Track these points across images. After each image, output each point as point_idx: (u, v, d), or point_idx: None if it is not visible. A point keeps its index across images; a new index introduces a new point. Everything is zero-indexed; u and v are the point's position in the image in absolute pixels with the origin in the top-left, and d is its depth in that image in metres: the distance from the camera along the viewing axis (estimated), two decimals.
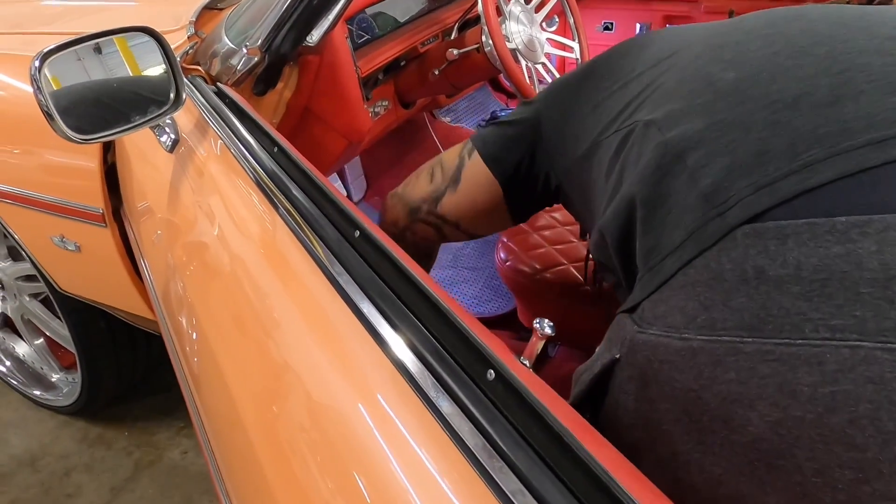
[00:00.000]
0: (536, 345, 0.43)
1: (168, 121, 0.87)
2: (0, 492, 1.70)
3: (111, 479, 1.73)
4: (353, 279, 0.50)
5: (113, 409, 1.89)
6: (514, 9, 1.40)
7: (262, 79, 1.15)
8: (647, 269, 0.50)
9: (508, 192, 0.85)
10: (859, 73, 0.44)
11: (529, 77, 1.38)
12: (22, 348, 1.92)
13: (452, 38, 1.55)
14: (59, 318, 1.79)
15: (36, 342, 1.88)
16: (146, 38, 0.80)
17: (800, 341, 0.39)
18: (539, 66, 1.42)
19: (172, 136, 0.87)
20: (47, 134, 1.24)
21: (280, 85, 1.18)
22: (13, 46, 1.37)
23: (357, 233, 0.56)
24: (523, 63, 1.38)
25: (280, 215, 0.61)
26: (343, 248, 0.54)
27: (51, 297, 1.59)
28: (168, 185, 0.83)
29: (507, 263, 1.36)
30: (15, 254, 1.72)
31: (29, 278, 1.70)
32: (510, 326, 1.55)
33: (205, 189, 0.77)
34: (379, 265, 0.52)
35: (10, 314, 1.86)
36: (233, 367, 0.65)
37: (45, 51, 0.72)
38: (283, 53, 1.10)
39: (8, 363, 1.93)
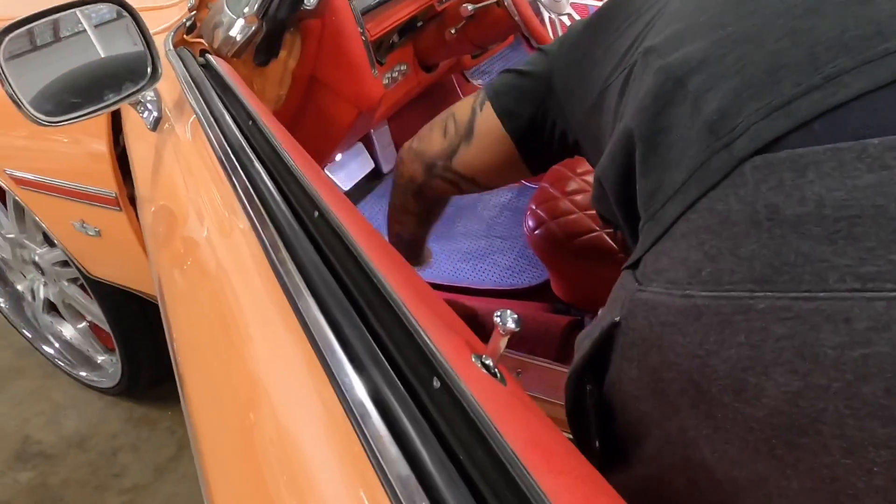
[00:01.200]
0: (499, 341, 0.36)
1: (151, 96, 0.82)
2: (52, 472, 1.74)
3: (155, 459, 1.75)
4: (297, 268, 0.44)
5: (156, 390, 1.91)
6: None
7: (263, 48, 1.09)
8: (649, 217, 0.43)
9: (522, 146, 0.80)
10: None
11: (553, 31, 1.27)
12: (68, 331, 1.96)
13: None
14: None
15: (79, 325, 1.91)
16: (116, 10, 0.75)
17: (823, 294, 0.32)
18: (564, 18, 1.31)
19: (155, 114, 0.82)
20: None
21: (283, 54, 1.11)
22: None
23: (316, 213, 0.50)
24: (545, 14, 1.27)
25: (237, 195, 0.56)
26: (295, 232, 0.48)
27: (84, 282, 1.60)
28: (152, 164, 0.79)
29: (537, 232, 1.28)
30: (50, 240, 1.74)
31: (64, 264, 1.71)
32: (545, 297, 1.47)
33: (180, 167, 0.71)
34: (333, 250, 0.45)
35: (52, 299, 1.89)
36: (215, 368, 0.61)
37: (5, 28, 0.67)
38: (281, 19, 1.04)
39: (56, 345, 1.97)
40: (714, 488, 0.37)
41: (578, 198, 1.30)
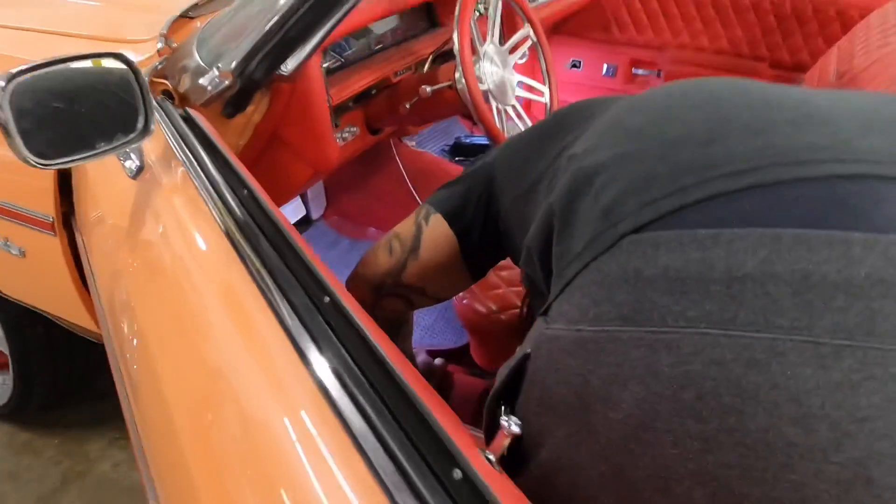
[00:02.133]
0: (503, 441, 0.43)
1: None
2: None
3: (37, 489, 1.66)
4: (320, 354, 0.50)
5: (43, 416, 1.82)
6: (489, 49, 1.42)
7: (232, 102, 1.13)
8: (557, 274, 0.58)
9: (465, 245, 0.91)
10: (732, 122, 0.54)
11: (499, 118, 1.39)
12: None
13: (425, 70, 1.56)
14: None
15: None
16: (118, 63, 0.78)
17: (663, 329, 0.46)
18: (509, 108, 1.44)
19: (137, 163, 0.85)
20: None
21: (250, 108, 1.16)
22: None
23: (327, 299, 0.56)
24: (493, 104, 1.39)
25: (248, 268, 0.60)
26: (312, 315, 0.54)
27: None
28: (129, 212, 0.81)
29: (464, 301, 1.37)
30: None
31: None
32: (461, 361, 1.56)
33: (167, 224, 0.75)
34: (347, 339, 0.52)
35: None
36: (171, 372, 0.65)
37: (14, 72, 0.69)
38: (256, 79, 1.08)
39: None
40: (586, 484, 0.49)
41: (504, 273, 1.41)
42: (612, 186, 0.55)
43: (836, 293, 0.42)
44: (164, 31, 1.24)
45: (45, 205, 1.19)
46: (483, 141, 2.47)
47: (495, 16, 1.44)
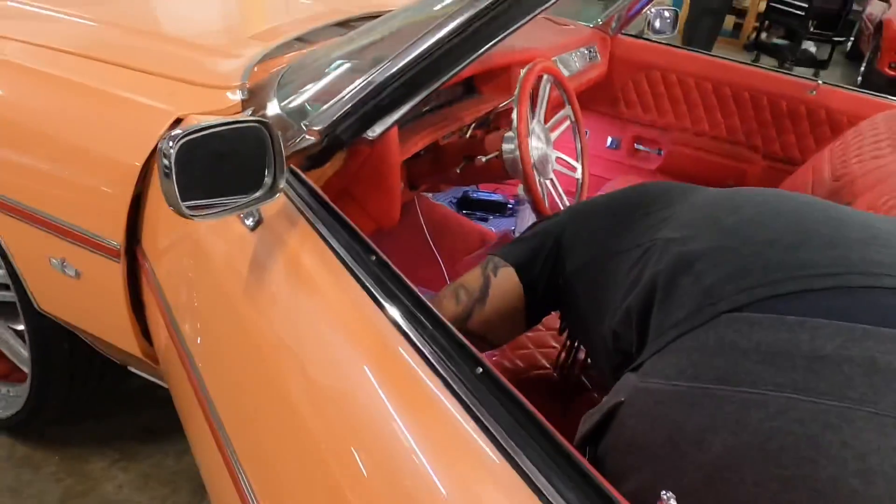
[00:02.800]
0: None
1: None
2: None
3: None
4: (496, 421, 0.58)
5: (44, 430, 1.81)
6: (536, 126, 1.53)
7: (314, 158, 1.21)
8: (656, 336, 0.70)
9: (529, 296, 1.01)
10: (812, 234, 0.69)
11: (540, 190, 1.50)
12: None
13: (468, 135, 1.66)
14: (11, 329, 1.73)
15: None
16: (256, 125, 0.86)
17: (754, 391, 0.57)
18: (548, 182, 1.55)
19: (255, 217, 0.92)
20: (69, 147, 1.23)
21: (327, 165, 1.24)
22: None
23: (479, 370, 0.64)
24: (536, 177, 1.50)
25: (406, 339, 0.68)
26: (473, 383, 0.62)
27: (18, 308, 1.54)
28: (248, 261, 0.88)
29: (494, 358, 1.45)
30: None
31: None
32: None
33: (298, 282, 0.82)
34: (503, 411, 0.60)
35: None
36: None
37: (182, 133, 0.76)
38: (342, 140, 1.17)
39: None
40: None
41: (532, 335, 1.50)
42: (712, 272, 0.69)
43: None
44: (245, 82, 1.32)
45: (114, 231, 1.24)
46: (488, 197, 2.58)
47: (544, 97, 1.56)
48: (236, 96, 1.27)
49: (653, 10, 2.46)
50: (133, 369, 1.56)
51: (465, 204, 2.60)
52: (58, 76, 1.29)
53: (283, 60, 1.47)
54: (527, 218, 1.76)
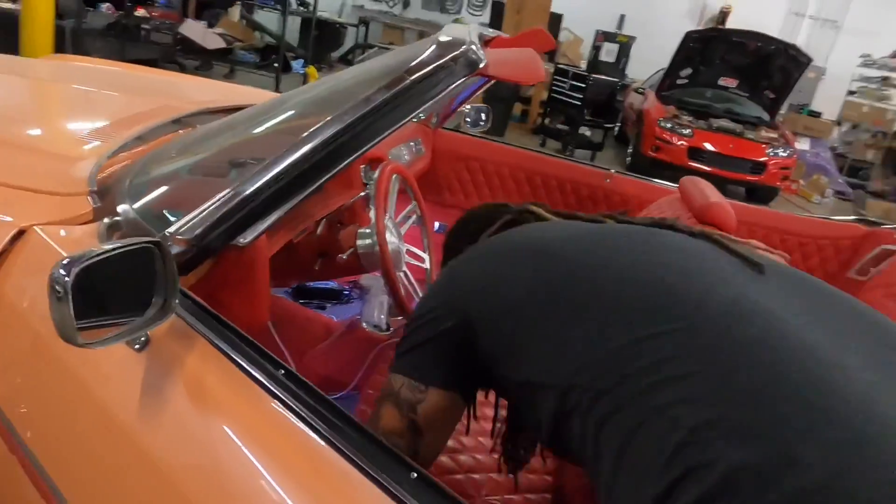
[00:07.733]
0: None
1: None
2: None
3: None
4: None
5: None
6: (388, 222, 1.62)
7: (179, 267, 1.18)
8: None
9: (464, 394, 0.93)
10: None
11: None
12: None
13: (318, 233, 1.70)
14: None
15: None
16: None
17: None
18: (401, 275, 1.63)
19: (143, 337, 0.89)
20: None
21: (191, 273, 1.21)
22: None
23: (414, 475, 0.68)
24: (395, 270, 1.58)
25: (337, 450, 0.70)
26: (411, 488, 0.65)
27: None
28: (140, 387, 0.84)
29: None
30: None
31: None
32: None
33: (204, 403, 0.80)
34: None
35: None
36: None
37: (70, 261, 0.73)
38: (212, 248, 1.15)
39: None
40: None
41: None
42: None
43: None
44: (94, 188, 1.27)
45: None
46: (325, 285, 2.61)
47: (393, 193, 1.66)
48: (87, 204, 1.22)
49: (468, 106, 2.71)
50: None
51: (301, 293, 2.60)
52: None
53: (125, 160, 1.43)
54: (374, 305, 1.82)
